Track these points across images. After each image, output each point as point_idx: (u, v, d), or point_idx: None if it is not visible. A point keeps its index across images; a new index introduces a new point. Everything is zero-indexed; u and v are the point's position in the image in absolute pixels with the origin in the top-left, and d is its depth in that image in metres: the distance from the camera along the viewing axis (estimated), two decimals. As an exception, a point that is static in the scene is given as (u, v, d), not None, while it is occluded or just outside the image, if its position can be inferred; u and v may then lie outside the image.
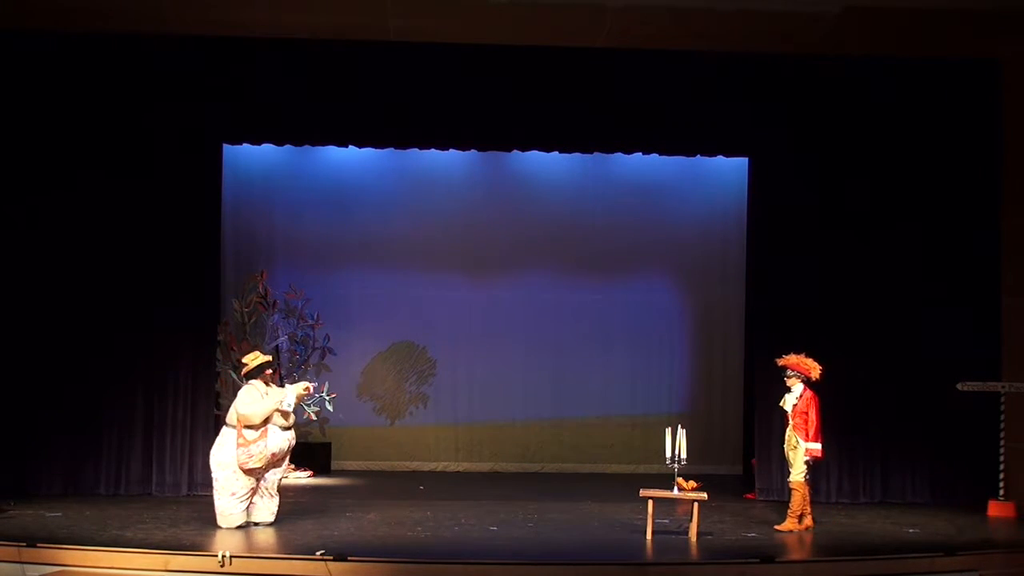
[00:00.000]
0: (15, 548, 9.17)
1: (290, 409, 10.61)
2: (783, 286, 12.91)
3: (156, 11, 11.98)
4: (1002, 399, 12.29)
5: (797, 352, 11.12)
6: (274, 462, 10.59)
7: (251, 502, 10.58)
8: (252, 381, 10.66)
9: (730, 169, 14.47)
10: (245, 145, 13.73)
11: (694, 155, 13.89)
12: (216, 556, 8.95)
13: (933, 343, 12.83)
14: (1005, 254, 12.91)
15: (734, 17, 12.03)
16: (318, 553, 9.18)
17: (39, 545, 9.26)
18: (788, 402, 11.01)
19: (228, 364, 14.25)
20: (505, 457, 15.36)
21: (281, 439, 10.56)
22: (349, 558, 9.06)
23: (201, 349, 12.74)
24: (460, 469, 15.26)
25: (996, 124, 12.94)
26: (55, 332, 12.34)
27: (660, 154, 13.76)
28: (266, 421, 10.47)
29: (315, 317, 14.69)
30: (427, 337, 15.39)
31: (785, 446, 11.04)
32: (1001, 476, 12.24)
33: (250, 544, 9.71)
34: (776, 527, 10.88)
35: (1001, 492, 12.19)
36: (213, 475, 10.57)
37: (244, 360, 10.94)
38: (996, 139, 12.96)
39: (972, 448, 12.70)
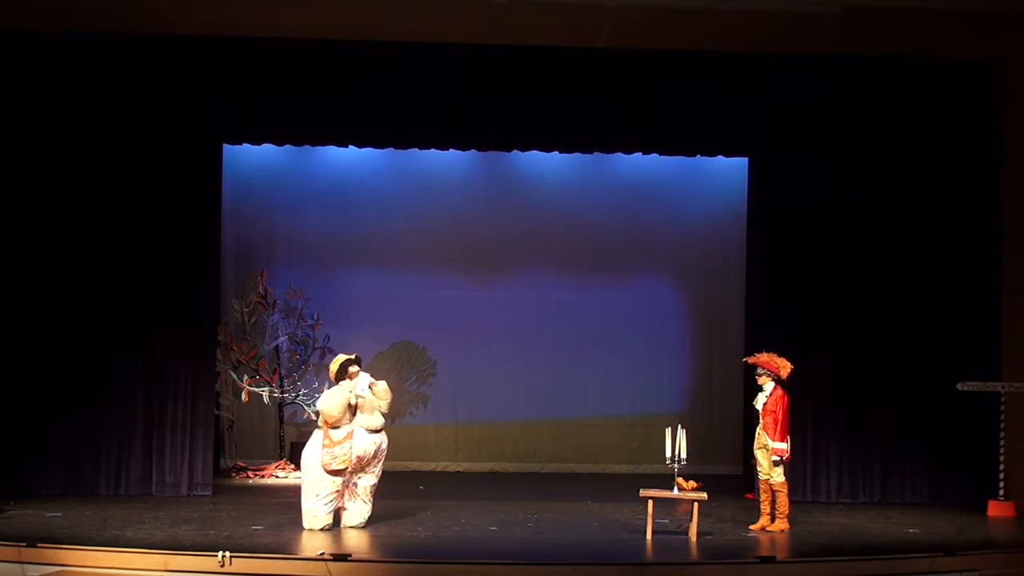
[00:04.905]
0: (15, 548, 9.16)
1: (364, 394, 10.53)
2: (783, 286, 12.92)
3: (156, 11, 11.99)
4: (1002, 399, 12.29)
5: (776, 351, 11.10)
6: (361, 466, 10.53)
7: (342, 506, 10.58)
8: (342, 383, 10.66)
9: (730, 169, 14.46)
10: (245, 145, 13.73)
11: (694, 155, 13.90)
12: (216, 556, 8.95)
13: (933, 343, 12.84)
14: (1005, 254, 12.91)
15: (734, 17, 12.04)
16: (318, 553, 9.19)
17: (39, 545, 9.25)
18: (759, 401, 11.01)
19: (228, 364, 14.27)
20: (505, 457, 15.35)
21: (367, 442, 10.51)
22: (349, 558, 9.06)
23: (201, 349, 12.74)
24: (460, 469, 15.26)
25: (996, 124, 12.94)
26: (55, 332, 12.34)
27: (660, 154, 13.78)
28: (353, 415, 10.47)
29: (315, 317, 14.70)
30: (427, 337, 15.37)
31: (755, 444, 11.03)
32: (1001, 476, 12.24)
33: (250, 544, 9.70)
34: (766, 528, 10.87)
35: (1001, 492, 12.19)
36: (301, 476, 10.66)
37: (329, 367, 10.95)
38: (996, 139, 12.96)
39: (972, 448, 12.70)
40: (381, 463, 10.75)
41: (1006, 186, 12.91)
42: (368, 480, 10.64)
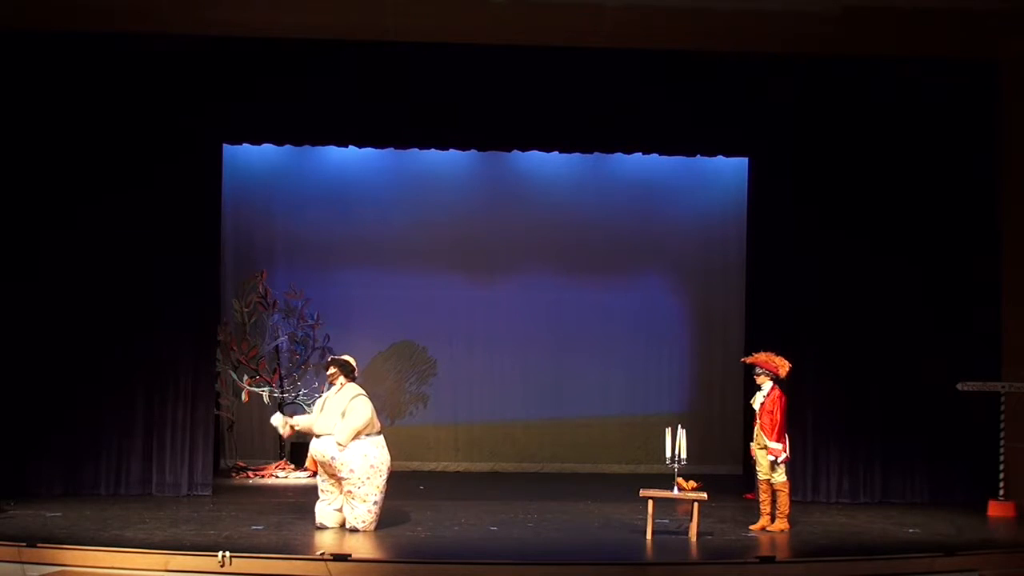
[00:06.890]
0: (15, 548, 9.16)
1: (277, 427, 10.88)
2: (783, 286, 12.92)
3: (156, 11, 12.00)
4: (1002, 399, 12.28)
5: (776, 351, 11.09)
6: (327, 470, 10.44)
7: (340, 505, 10.54)
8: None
9: (730, 169, 14.47)
10: (245, 145, 13.74)
11: (694, 155, 13.90)
12: (216, 556, 8.95)
13: (933, 343, 12.83)
14: (1005, 255, 12.90)
15: (734, 17, 12.05)
16: (318, 553, 9.19)
17: (39, 545, 9.25)
18: (757, 400, 11.01)
19: (228, 364, 14.28)
20: (505, 457, 15.35)
21: (316, 446, 10.45)
22: (349, 558, 9.07)
23: (201, 349, 12.73)
24: (460, 469, 15.26)
25: (996, 124, 12.94)
26: (55, 332, 12.33)
27: (660, 154, 13.79)
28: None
29: (315, 317, 14.70)
30: (427, 337, 15.38)
31: (753, 444, 11.03)
32: (1001, 476, 12.23)
33: (250, 544, 9.69)
34: (766, 528, 10.86)
35: (1001, 492, 12.19)
36: None
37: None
38: (996, 139, 12.96)
39: (972, 448, 12.70)
40: (356, 472, 10.32)
41: (1006, 186, 12.90)
42: (348, 485, 10.41)
